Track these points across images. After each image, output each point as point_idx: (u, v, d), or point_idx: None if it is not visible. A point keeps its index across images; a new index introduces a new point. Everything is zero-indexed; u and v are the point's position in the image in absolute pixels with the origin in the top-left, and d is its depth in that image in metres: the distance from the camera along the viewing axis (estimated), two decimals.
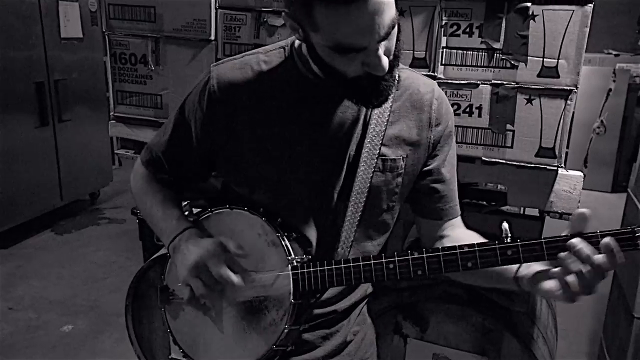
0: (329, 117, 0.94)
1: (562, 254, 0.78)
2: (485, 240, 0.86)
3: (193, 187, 1.14)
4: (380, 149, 0.94)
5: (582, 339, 2.84)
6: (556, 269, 0.79)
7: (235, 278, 0.90)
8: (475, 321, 1.55)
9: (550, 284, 0.80)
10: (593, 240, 0.77)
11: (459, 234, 1.03)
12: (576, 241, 0.77)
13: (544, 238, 0.80)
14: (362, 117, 0.95)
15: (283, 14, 0.84)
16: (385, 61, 0.80)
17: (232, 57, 0.99)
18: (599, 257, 0.75)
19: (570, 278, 0.77)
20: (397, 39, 0.84)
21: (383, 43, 0.80)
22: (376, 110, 0.94)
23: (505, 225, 0.83)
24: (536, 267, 0.84)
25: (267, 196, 0.97)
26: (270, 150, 0.95)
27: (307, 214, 0.97)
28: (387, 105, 0.94)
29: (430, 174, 1.01)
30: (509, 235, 0.82)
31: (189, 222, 1.00)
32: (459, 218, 1.05)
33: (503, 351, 1.53)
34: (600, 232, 0.77)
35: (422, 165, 1.00)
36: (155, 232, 1.06)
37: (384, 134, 0.95)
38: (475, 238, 1.01)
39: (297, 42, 0.95)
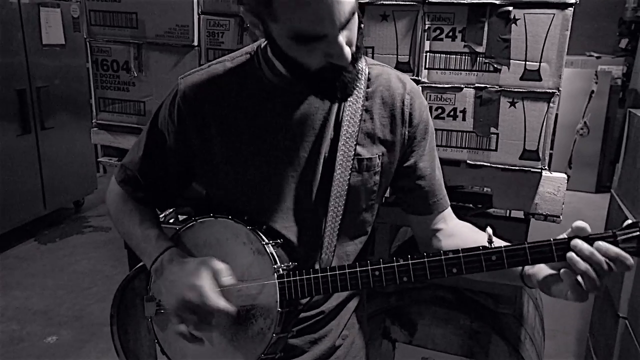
0: (298, 121, 0.93)
1: (569, 254, 0.79)
2: (470, 246, 0.86)
3: (172, 202, 1.12)
4: (355, 149, 0.94)
5: (570, 339, 2.87)
6: (565, 271, 0.80)
7: (231, 307, 0.89)
8: (463, 324, 1.56)
9: (561, 286, 0.82)
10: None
11: (452, 226, 1.04)
12: (577, 242, 0.78)
13: (528, 243, 0.81)
14: (332, 117, 0.94)
15: (241, 9, 0.83)
16: (347, 50, 0.80)
17: (200, 67, 0.99)
18: (601, 257, 0.77)
19: (579, 278, 0.78)
20: (359, 32, 0.84)
21: (344, 32, 0.79)
22: (348, 111, 0.94)
23: (489, 230, 0.84)
24: (545, 269, 0.85)
25: (246, 203, 0.97)
26: (243, 157, 0.95)
27: (287, 220, 0.97)
28: (359, 104, 0.94)
29: (410, 171, 1.00)
30: (493, 240, 0.83)
31: (169, 241, 0.99)
32: (449, 209, 1.06)
33: (491, 353, 1.54)
34: (582, 237, 0.79)
35: (398, 161, 1.00)
36: (135, 253, 1.04)
37: (358, 134, 0.94)
38: (468, 229, 1.03)
39: (262, 45, 0.94)
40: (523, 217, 1.50)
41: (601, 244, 0.77)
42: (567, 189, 1.35)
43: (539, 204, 1.35)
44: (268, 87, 0.93)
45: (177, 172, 1.03)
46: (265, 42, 0.92)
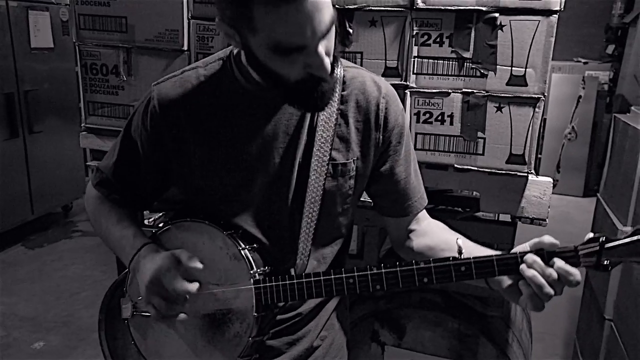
0: (272, 126, 0.94)
1: (521, 267, 0.82)
2: (442, 257, 0.89)
3: (149, 205, 1.13)
4: (330, 154, 0.94)
5: (557, 341, 2.89)
6: (522, 283, 0.83)
7: (189, 286, 0.89)
8: (451, 327, 1.57)
9: (521, 297, 0.84)
10: (540, 256, 0.82)
11: (424, 226, 1.06)
12: (529, 257, 0.82)
13: (495, 255, 0.84)
14: (307, 122, 0.95)
15: (216, 20, 0.83)
16: (327, 61, 0.80)
17: (173, 73, 0.99)
18: (553, 272, 0.80)
19: (536, 290, 0.81)
20: (336, 40, 0.85)
21: (323, 42, 0.80)
22: (322, 115, 0.94)
23: (459, 241, 0.88)
24: (507, 278, 0.88)
25: (221, 208, 0.97)
26: (217, 163, 0.95)
27: (262, 225, 0.97)
28: (334, 108, 0.94)
29: (385, 175, 1.01)
30: (463, 251, 0.85)
31: (146, 238, 0.99)
32: (424, 211, 1.07)
33: (479, 356, 1.55)
34: (546, 251, 0.82)
35: (374, 166, 1.00)
36: (115, 253, 1.04)
37: (333, 139, 0.94)
38: (439, 228, 1.05)
39: (235, 51, 0.94)
40: (510, 220, 1.52)
41: (555, 260, 0.81)
42: (555, 193, 1.37)
43: (526, 208, 1.37)
44: (241, 93, 0.93)
45: (151, 178, 1.03)
46: None
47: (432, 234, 1.04)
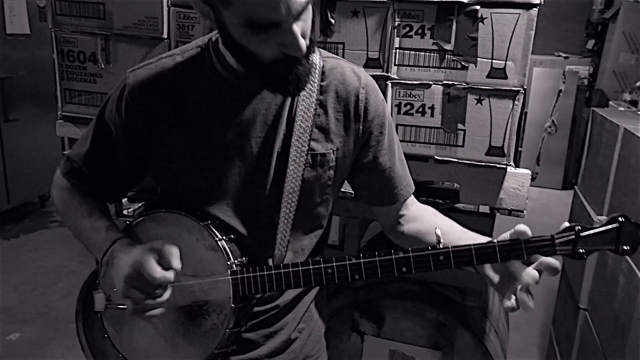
0: (250, 115, 0.92)
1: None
2: (421, 247, 0.89)
3: (122, 195, 1.10)
4: (309, 144, 0.93)
5: (534, 330, 2.95)
6: (509, 283, 0.84)
7: (169, 274, 0.87)
8: (430, 316, 1.59)
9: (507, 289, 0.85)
10: (517, 247, 0.83)
11: (413, 211, 1.07)
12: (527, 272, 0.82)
13: (474, 245, 0.85)
14: (285, 112, 0.94)
15: None
16: (302, 41, 0.79)
17: (149, 60, 0.97)
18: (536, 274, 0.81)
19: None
20: (312, 26, 0.84)
21: (299, 23, 0.79)
22: (301, 105, 0.93)
23: (438, 231, 0.87)
24: (493, 275, 0.88)
25: (198, 198, 0.96)
26: (194, 153, 0.93)
27: (240, 216, 0.96)
28: (313, 98, 0.93)
29: (369, 166, 1.01)
30: (442, 240, 0.86)
31: (119, 232, 0.97)
32: (412, 196, 1.08)
33: (456, 345, 1.57)
34: (523, 239, 0.82)
35: (356, 157, 1.00)
36: (84, 245, 1.01)
37: (312, 129, 0.94)
38: (428, 213, 1.06)
39: (214, 38, 0.93)
40: (489, 211, 1.54)
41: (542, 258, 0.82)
42: (535, 186, 1.39)
43: (504, 199, 1.39)
44: (219, 82, 0.92)
45: (125, 167, 1.01)
46: (217, 35, 0.90)
47: (422, 219, 1.05)
